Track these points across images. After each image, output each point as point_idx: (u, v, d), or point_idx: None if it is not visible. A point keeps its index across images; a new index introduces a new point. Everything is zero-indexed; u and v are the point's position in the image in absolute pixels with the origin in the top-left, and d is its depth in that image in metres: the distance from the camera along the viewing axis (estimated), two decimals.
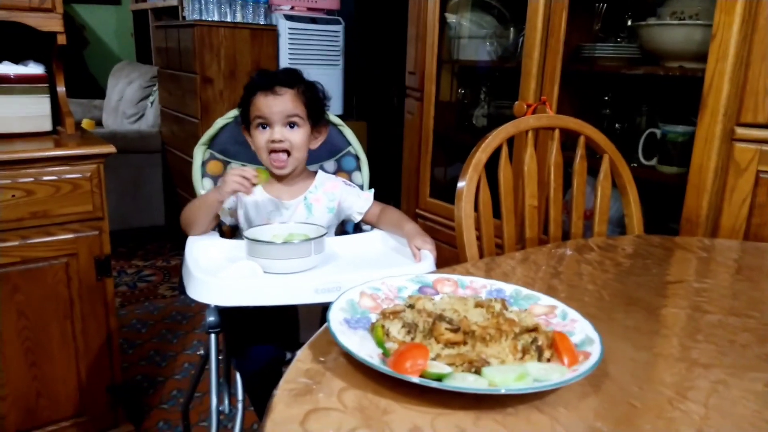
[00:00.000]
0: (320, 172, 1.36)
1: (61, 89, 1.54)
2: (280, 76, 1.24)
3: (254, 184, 1.17)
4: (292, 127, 1.23)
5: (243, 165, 1.40)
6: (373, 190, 1.37)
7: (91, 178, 1.39)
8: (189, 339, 2.22)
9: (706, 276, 1.04)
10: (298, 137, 1.23)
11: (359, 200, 1.31)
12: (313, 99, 1.26)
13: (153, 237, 3.27)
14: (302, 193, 1.30)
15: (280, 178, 1.28)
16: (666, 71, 1.49)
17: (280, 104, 1.21)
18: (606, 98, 1.80)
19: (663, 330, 0.80)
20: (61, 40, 1.44)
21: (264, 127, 1.24)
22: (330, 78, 2.94)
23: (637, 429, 0.56)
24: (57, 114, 1.56)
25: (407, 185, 2.34)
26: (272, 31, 2.72)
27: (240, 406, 1.14)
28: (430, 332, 0.67)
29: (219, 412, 1.17)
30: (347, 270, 1.09)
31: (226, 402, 1.23)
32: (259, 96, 1.22)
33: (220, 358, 1.18)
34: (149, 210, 3.20)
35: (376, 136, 3.08)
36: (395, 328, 0.68)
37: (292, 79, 1.25)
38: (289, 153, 1.24)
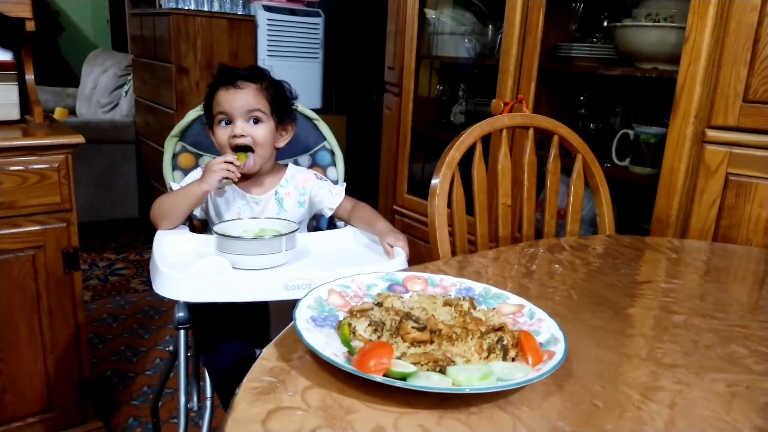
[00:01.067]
0: (291, 166, 1.34)
1: (29, 77, 1.50)
2: (243, 71, 1.22)
3: (238, 167, 1.16)
4: (255, 122, 1.21)
5: (214, 158, 1.38)
6: (345, 184, 1.36)
7: (59, 169, 1.36)
8: (161, 334, 2.19)
9: (675, 276, 1.06)
10: (261, 133, 1.21)
11: (330, 195, 1.29)
12: (277, 95, 1.24)
13: (126, 229, 3.22)
14: (273, 188, 1.28)
15: (248, 176, 1.26)
16: (641, 72, 1.51)
17: (242, 98, 1.19)
18: (582, 98, 1.81)
19: (629, 330, 0.81)
20: (30, 26, 1.41)
21: (227, 123, 1.21)
22: (309, 71, 2.92)
23: (599, 429, 0.56)
24: (25, 102, 1.52)
25: (385, 181, 2.34)
26: (250, 22, 2.69)
27: (209, 403, 1.13)
28: (397, 331, 0.67)
29: (188, 410, 1.16)
30: (318, 267, 1.08)
31: (196, 399, 1.21)
32: (220, 91, 1.20)
33: (189, 354, 1.17)
34: (122, 202, 3.15)
35: (355, 131, 3.07)
36: (362, 327, 0.68)
37: (256, 74, 1.22)
38: (252, 150, 1.21)
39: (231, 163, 1.15)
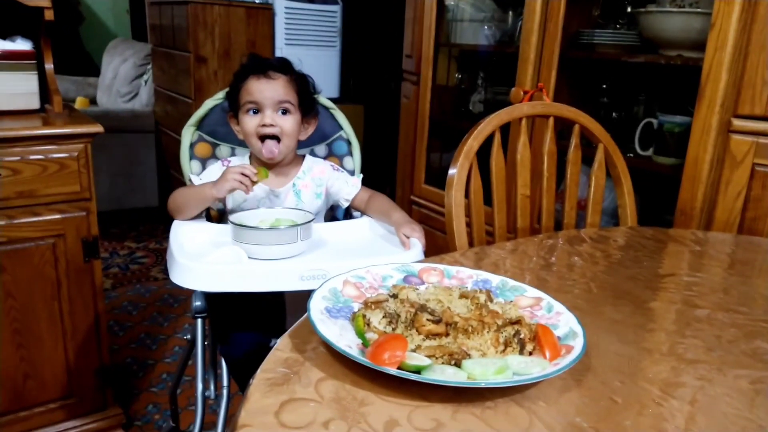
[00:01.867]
0: (308, 157, 1.34)
1: (49, 66, 1.51)
2: (274, 62, 1.23)
3: (254, 182, 1.15)
4: (284, 113, 1.21)
5: (233, 148, 1.38)
6: (361, 176, 1.35)
7: (78, 158, 1.37)
8: (180, 322, 2.21)
9: (698, 270, 1.03)
10: (289, 124, 1.21)
11: (347, 186, 1.29)
12: (304, 88, 1.25)
13: (146, 218, 3.25)
14: (291, 180, 1.28)
15: (269, 166, 1.26)
16: (665, 60, 1.47)
17: (272, 89, 1.19)
18: (604, 86, 1.77)
19: (650, 324, 0.79)
20: (49, 15, 1.41)
21: (255, 112, 1.21)
22: (327, 60, 2.91)
23: (617, 425, 0.55)
24: (45, 92, 1.53)
25: (402, 171, 2.32)
26: (268, 10, 2.68)
27: (225, 392, 1.14)
28: (412, 323, 0.66)
29: (205, 398, 1.16)
30: (334, 257, 1.08)
31: (213, 387, 1.22)
32: (251, 80, 1.20)
33: (206, 343, 1.17)
34: (142, 191, 3.18)
35: (373, 120, 3.05)
36: (376, 318, 0.67)
37: (285, 66, 1.23)
38: (279, 139, 1.22)
39: (247, 176, 1.14)
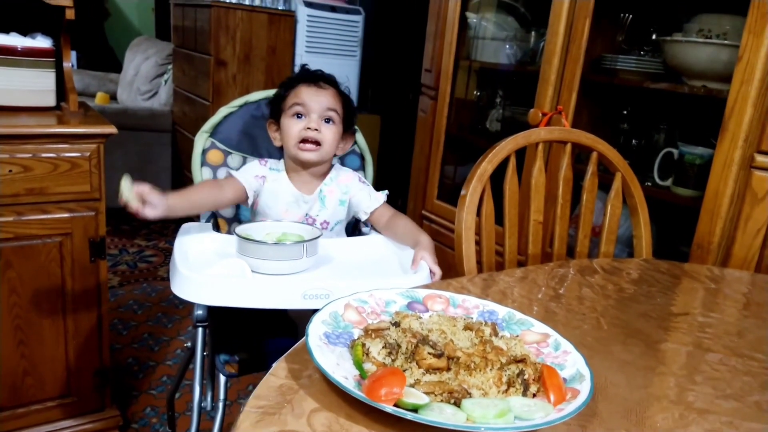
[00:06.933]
0: (336, 165, 1.34)
1: (67, 64, 1.51)
2: (324, 74, 1.27)
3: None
4: (327, 122, 1.23)
5: (244, 157, 1.37)
6: (386, 192, 1.32)
7: (90, 158, 1.37)
8: (184, 324, 2.20)
9: (713, 309, 1.00)
10: (330, 133, 1.23)
11: (368, 199, 1.27)
12: (348, 104, 1.28)
13: None
14: (318, 186, 1.28)
15: (305, 166, 1.26)
16: (689, 90, 1.44)
17: (322, 96, 1.23)
18: (625, 112, 1.74)
19: (661, 367, 0.76)
20: (70, 14, 1.41)
21: (299, 117, 1.23)
22: (346, 69, 2.90)
23: None
24: (62, 89, 1.53)
25: (415, 185, 2.30)
26: (290, 17, 2.69)
27: (221, 405, 1.12)
28: (413, 355, 0.64)
29: (201, 409, 1.15)
30: (339, 276, 1.06)
31: (210, 398, 1.20)
32: (302, 86, 1.24)
33: (205, 353, 1.16)
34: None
35: (390, 132, 3.03)
36: (376, 349, 0.65)
37: (334, 80, 1.28)
38: (318, 145, 1.23)
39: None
